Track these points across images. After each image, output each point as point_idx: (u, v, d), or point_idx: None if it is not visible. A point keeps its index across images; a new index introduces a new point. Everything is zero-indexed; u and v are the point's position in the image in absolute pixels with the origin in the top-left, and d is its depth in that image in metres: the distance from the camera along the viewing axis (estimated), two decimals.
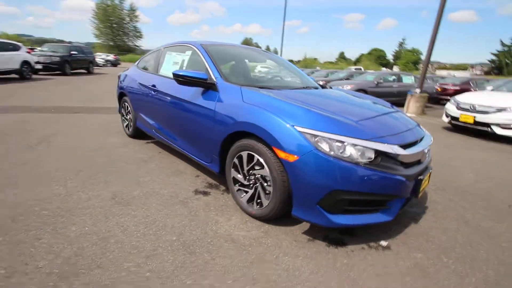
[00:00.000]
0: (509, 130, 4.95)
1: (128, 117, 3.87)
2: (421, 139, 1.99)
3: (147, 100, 3.17)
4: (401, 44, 61.74)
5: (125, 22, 50.79)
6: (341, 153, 1.58)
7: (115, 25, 49.25)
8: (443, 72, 38.78)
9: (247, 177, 2.03)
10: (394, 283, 1.49)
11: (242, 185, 2.09)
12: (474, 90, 10.87)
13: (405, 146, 1.75)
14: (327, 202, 1.60)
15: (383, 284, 1.47)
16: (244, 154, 1.97)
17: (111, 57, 27.28)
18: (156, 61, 3.25)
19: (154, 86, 3.01)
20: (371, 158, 1.60)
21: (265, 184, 1.88)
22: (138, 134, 3.82)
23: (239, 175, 2.09)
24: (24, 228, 1.77)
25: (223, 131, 2.08)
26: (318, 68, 33.91)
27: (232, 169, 2.12)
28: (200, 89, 2.39)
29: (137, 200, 2.21)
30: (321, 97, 2.34)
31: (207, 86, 2.30)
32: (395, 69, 42.02)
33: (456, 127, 6.04)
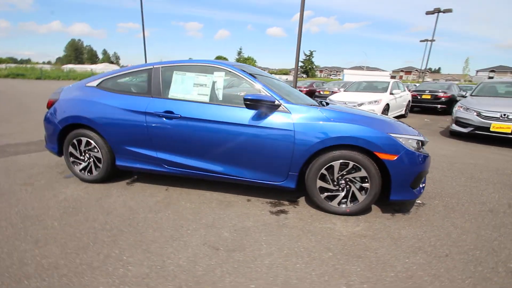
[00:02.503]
0: None
1: (88, 156, 2.89)
2: None
3: (152, 130, 2.59)
4: (239, 53, 71.65)
5: None
6: (413, 147, 2.30)
7: None
8: (276, 76, 48.85)
9: (336, 183, 2.36)
10: (453, 219, 2.40)
11: (330, 191, 2.39)
12: (318, 90, 14.90)
13: None
14: (414, 182, 2.28)
15: (449, 222, 2.34)
16: (337, 163, 2.29)
17: None
18: (154, 82, 2.65)
19: (170, 112, 2.53)
20: (419, 147, 2.42)
21: (360, 183, 2.31)
22: (109, 176, 2.94)
23: (326, 184, 2.37)
24: None
25: (310, 149, 2.28)
26: None
27: (319, 180, 2.37)
28: (256, 112, 2.39)
29: (242, 241, 2.00)
30: (353, 108, 2.97)
31: (273, 108, 2.36)
32: None
33: None
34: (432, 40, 23.04)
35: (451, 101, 10.63)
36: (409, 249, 1.96)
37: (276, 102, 2.35)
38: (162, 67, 2.71)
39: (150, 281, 1.58)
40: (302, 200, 2.71)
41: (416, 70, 71.53)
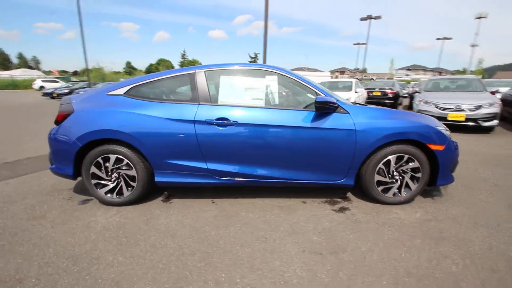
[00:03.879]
0: None
1: (117, 175, 2.50)
2: None
3: (203, 140, 2.38)
4: (183, 56, 69.26)
5: None
6: (449, 136, 2.63)
7: None
8: None
9: (390, 175, 2.54)
10: (477, 196, 2.81)
11: (385, 183, 2.56)
12: (281, 91, 15.40)
13: None
14: (453, 167, 2.61)
15: (476, 199, 2.75)
16: (393, 157, 2.47)
17: None
18: (200, 88, 2.41)
19: (224, 119, 2.36)
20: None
21: (412, 174, 2.53)
22: (144, 196, 2.59)
23: (383, 177, 2.53)
24: None
25: (371, 146, 2.40)
26: (122, 80, 30.77)
27: (376, 175, 2.51)
28: (317, 114, 2.42)
29: (336, 242, 2.00)
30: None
31: (333, 109, 2.41)
32: None
33: None
34: (365, 44, 26.15)
35: (397, 97, 12.23)
36: (469, 225, 2.25)
37: (336, 105, 2.42)
38: (205, 71, 2.51)
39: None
40: (350, 195, 2.83)
41: (349, 70, 79.71)
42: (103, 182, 2.52)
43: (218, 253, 1.88)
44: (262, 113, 2.42)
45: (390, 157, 2.48)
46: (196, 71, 2.52)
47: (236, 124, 2.38)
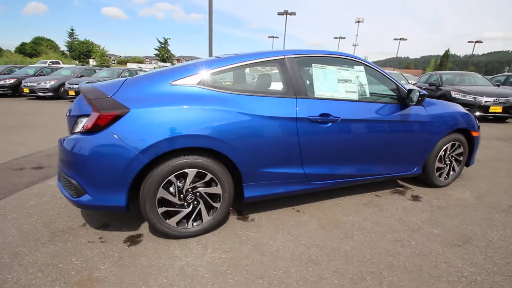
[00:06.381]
0: None
1: (190, 197, 1.84)
2: None
3: (304, 140, 2.00)
4: (71, 35, 56.72)
5: None
6: None
7: None
8: (133, 65, 42.32)
9: (443, 161, 2.82)
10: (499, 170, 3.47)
11: (440, 169, 2.82)
12: None
13: None
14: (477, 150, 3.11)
15: (476, 171, 3.40)
16: (449, 144, 2.73)
17: None
18: (294, 78, 1.96)
19: (326, 115, 2.03)
20: None
21: (456, 157, 2.88)
22: (225, 219, 2.02)
23: (440, 163, 2.78)
24: None
25: (439, 136, 2.59)
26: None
27: (437, 162, 2.74)
28: (401, 106, 2.41)
29: (451, 229, 2.09)
30: None
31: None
32: (92, 62, 38.88)
33: None
34: (277, 37, 27.87)
35: None
36: (505, 195, 2.74)
37: None
38: (296, 57, 2.08)
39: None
40: (405, 184, 2.99)
41: None
42: (174, 209, 1.80)
43: (383, 270, 1.65)
44: (360, 107, 2.23)
45: (447, 145, 2.74)
46: (286, 56, 2.07)
47: (339, 120, 2.11)
